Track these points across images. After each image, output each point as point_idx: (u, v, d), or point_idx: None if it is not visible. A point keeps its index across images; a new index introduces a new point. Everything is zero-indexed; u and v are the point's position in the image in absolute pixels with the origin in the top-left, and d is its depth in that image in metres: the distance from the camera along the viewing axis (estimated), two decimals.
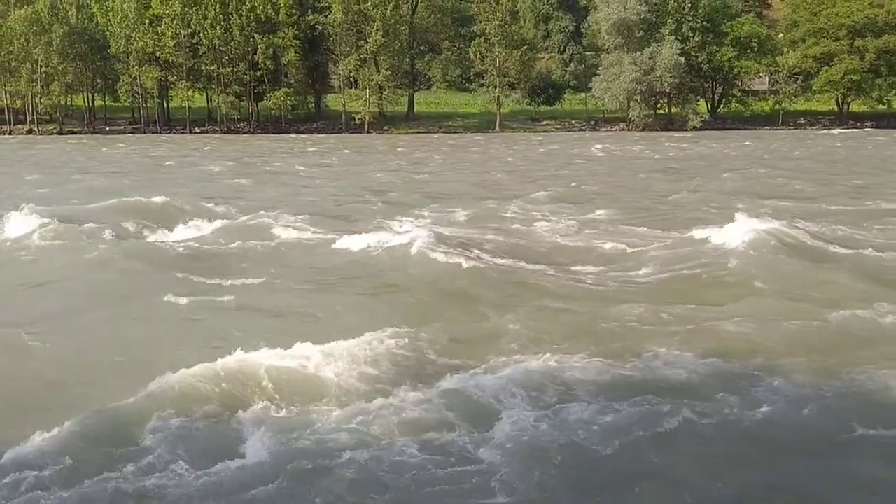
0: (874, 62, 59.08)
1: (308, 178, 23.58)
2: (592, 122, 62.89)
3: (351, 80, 60.76)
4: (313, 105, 63.90)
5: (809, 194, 17.38)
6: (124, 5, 57.76)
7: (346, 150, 38.27)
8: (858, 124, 60.11)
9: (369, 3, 57.37)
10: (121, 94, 61.13)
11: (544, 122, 62.94)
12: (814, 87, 60.41)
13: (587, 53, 66.42)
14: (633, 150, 36.78)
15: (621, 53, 59.33)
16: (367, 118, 58.75)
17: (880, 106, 60.77)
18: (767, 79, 63.98)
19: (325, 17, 59.20)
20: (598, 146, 39.40)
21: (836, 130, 56.56)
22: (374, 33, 57.37)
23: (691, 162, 29.25)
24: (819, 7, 61.59)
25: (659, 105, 62.14)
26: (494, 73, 61.29)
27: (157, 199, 13.55)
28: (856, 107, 62.22)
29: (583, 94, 65.73)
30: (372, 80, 58.74)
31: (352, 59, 58.88)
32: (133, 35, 57.42)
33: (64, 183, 20.93)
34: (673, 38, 58.44)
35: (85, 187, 19.25)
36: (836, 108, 63.04)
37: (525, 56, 61.58)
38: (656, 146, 40.41)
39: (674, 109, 62.09)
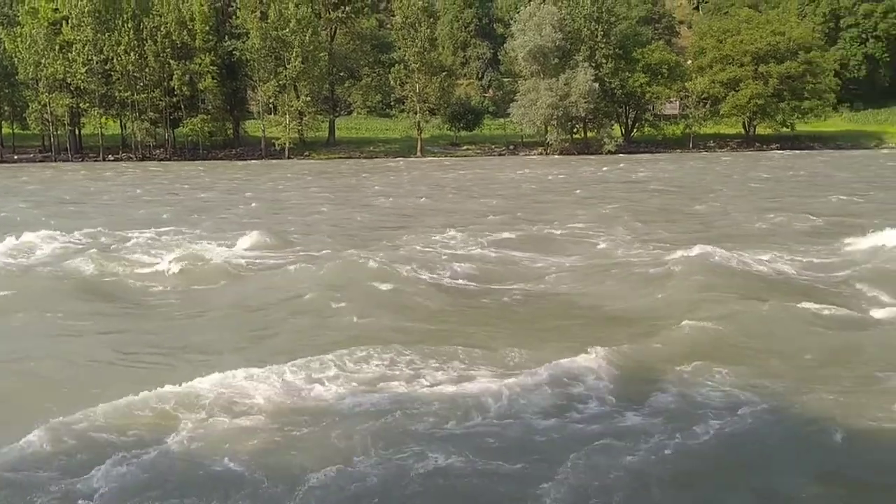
0: (777, 87, 71.72)
1: (303, 203, 26.72)
2: (511, 147, 73.99)
3: (270, 105, 70.57)
4: (231, 131, 73.52)
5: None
6: (33, 31, 65.65)
7: (304, 176, 43.71)
8: (764, 146, 72.86)
9: (287, 30, 67.29)
10: (30, 122, 68.94)
11: (465, 147, 73.75)
12: (721, 111, 72.91)
13: (505, 80, 78.06)
14: (600, 172, 43.25)
15: (538, 80, 70.76)
16: (287, 144, 68.49)
17: (784, 129, 73.64)
18: (678, 103, 76.69)
19: (243, 43, 69.17)
20: (557, 171, 45.65)
21: (747, 152, 69.38)
22: (292, 59, 67.29)
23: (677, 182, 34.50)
24: (725, 35, 74.70)
25: (575, 130, 73.96)
26: (415, 98, 72.02)
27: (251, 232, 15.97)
28: (761, 129, 75.22)
29: (501, 120, 77.09)
30: (291, 106, 68.66)
31: (270, 86, 68.67)
32: (43, 61, 64.83)
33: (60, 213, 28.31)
34: (587, 64, 69.99)
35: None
36: (742, 130, 76.22)
37: (444, 82, 72.61)
38: (618, 167, 48.25)
39: (589, 134, 73.70)
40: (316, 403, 6.24)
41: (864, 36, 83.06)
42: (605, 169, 46.44)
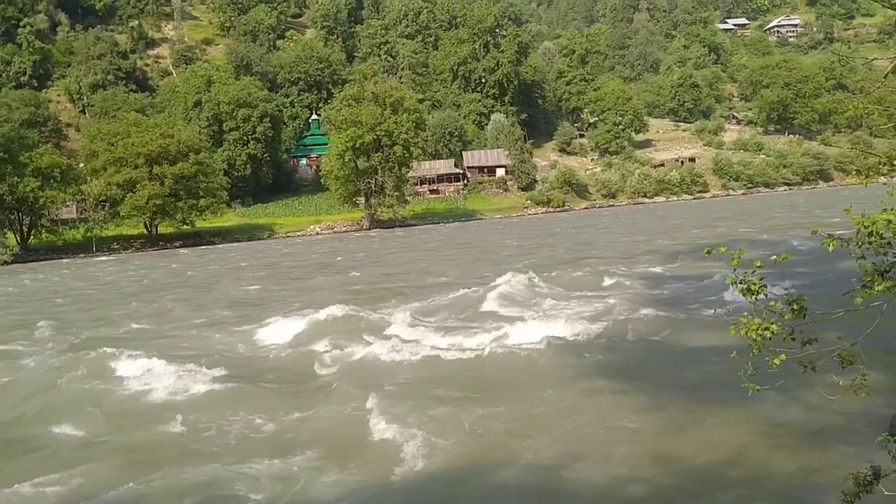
0: (174, 187, 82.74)
1: None
2: None
3: None
4: None
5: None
6: None
7: None
8: (168, 245, 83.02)
9: None
10: None
11: None
12: (122, 213, 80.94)
13: None
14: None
15: None
16: None
17: (185, 226, 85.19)
18: (75, 207, 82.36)
19: None
20: None
21: (152, 251, 78.04)
22: None
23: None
24: (116, 138, 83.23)
25: None
26: None
27: None
28: (163, 228, 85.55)
29: None
30: None
31: None
32: None
33: None
34: None
35: None
36: (145, 230, 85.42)
37: None
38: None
39: None
40: None
41: (245, 138, 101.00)
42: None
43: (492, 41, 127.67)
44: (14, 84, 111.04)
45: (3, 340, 21.43)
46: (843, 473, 5.93)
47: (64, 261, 72.10)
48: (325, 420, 11.69)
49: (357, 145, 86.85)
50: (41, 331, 22.44)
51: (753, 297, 5.71)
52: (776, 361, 5.64)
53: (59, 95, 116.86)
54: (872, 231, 5.52)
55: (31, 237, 79.04)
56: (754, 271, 5.79)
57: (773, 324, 5.66)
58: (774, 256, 6.00)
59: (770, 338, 5.63)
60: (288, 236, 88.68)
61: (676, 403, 11.18)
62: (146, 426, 12.05)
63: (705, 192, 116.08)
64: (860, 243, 5.59)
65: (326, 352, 16.37)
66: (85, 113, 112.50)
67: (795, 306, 5.69)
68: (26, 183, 75.19)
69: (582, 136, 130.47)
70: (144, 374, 14.84)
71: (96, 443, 11.51)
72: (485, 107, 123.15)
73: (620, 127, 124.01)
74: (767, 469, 8.72)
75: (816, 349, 5.70)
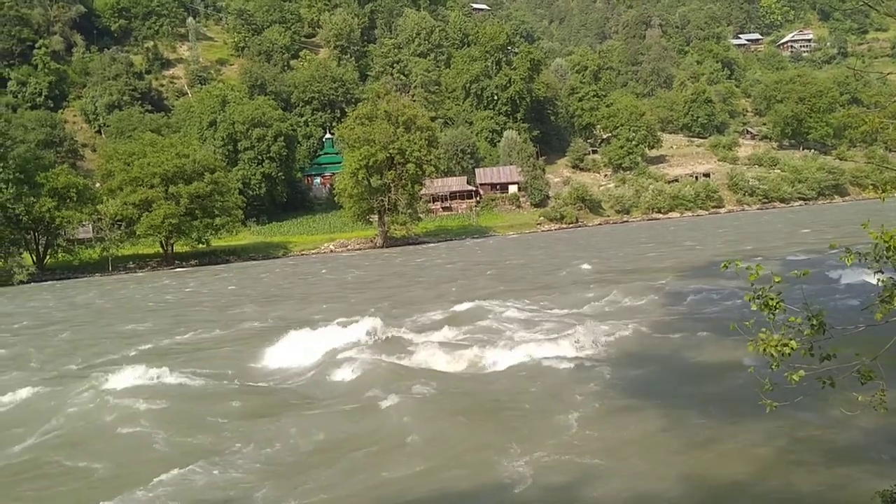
0: (189, 206, 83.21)
1: None
2: None
3: None
4: None
5: None
6: None
7: None
8: (184, 263, 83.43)
9: None
10: None
11: None
12: (138, 233, 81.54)
13: None
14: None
15: None
16: None
17: (200, 245, 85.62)
18: (91, 227, 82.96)
19: None
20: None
21: (171, 270, 78.38)
22: None
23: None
24: (131, 158, 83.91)
25: None
26: None
27: None
28: (179, 247, 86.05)
29: None
30: None
31: None
32: None
33: None
34: None
35: None
36: (161, 250, 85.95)
37: None
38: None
39: None
40: None
41: (260, 157, 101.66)
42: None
43: (504, 58, 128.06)
44: (30, 105, 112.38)
45: None
46: (867, 490, 5.90)
47: (83, 279, 72.33)
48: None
49: (370, 163, 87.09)
50: None
51: (772, 312, 5.70)
52: (795, 378, 5.61)
53: (74, 116, 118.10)
54: (890, 246, 5.51)
55: (48, 257, 79.64)
56: (772, 286, 5.78)
57: (791, 339, 5.63)
58: (795, 271, 5.99)
59: (789, 354, 5.61)
60: (303, 254, 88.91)
61: (696, 419, 11.14)
62: None
63: (720, 207, 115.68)
64: (878, 258, 5.57)
65: None
66: (101, 133, 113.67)
67: (815, 322, 5.67)
68: (42, 203, 75.75)
69: (595, 152, 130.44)
70: None
71: None
72: (497, 124, 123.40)
73: (634, 143, 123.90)
74: (791, 486, 8.68)
75: (836, 364, 5.68)
